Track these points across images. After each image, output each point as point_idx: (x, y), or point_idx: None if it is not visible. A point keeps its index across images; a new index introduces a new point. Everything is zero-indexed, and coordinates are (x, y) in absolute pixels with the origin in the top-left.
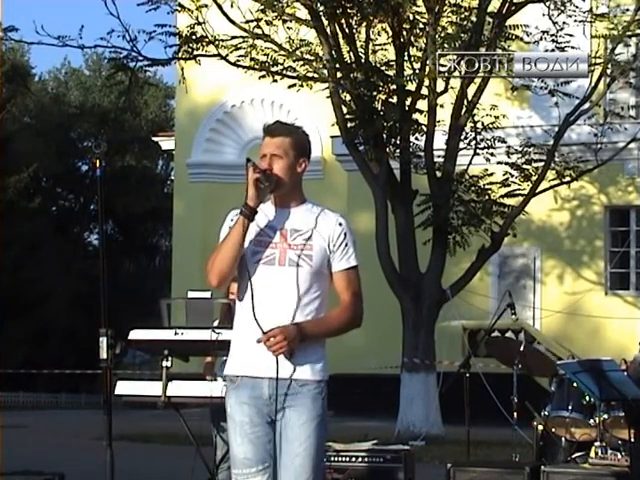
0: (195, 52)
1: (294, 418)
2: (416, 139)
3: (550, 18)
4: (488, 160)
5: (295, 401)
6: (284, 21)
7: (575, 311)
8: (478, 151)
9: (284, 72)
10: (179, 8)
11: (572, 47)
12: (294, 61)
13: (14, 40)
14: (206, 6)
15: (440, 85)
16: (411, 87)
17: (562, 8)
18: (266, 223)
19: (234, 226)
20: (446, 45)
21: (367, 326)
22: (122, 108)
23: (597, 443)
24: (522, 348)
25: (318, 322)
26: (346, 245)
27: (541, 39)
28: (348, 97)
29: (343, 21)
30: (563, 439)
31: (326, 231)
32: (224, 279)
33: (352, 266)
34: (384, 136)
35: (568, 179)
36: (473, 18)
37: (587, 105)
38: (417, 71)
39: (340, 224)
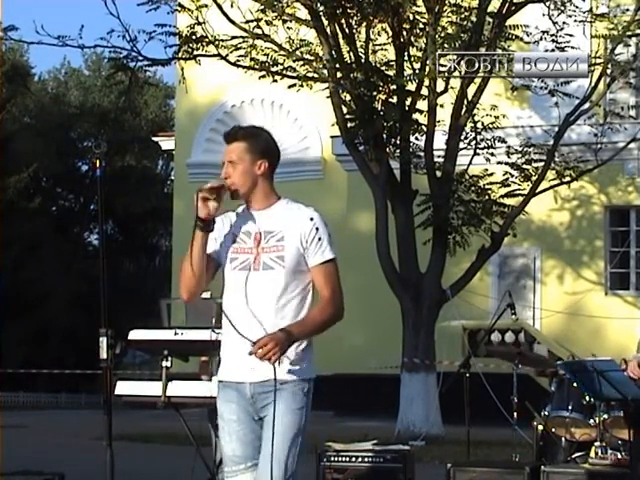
0: (195, 52)
1: (275, 413)
2: (416, 139)
3: (550, 18)
4: (488, 160)
5: (277, 398)
6: (284, 21)
7: (575, 311)
8: (478, 151)
9: (284, 72)
10: (179, 8)
11: (572, 47)
12: (294, 61)
13: (14, 40)
14: (206, 6)
15: (440, 85)
16: (411, 87)
17: (562, 8)
18: (241, 229)
19: (191, 241)
20: (446, 45)
21: (367, 326)
22: (122, 108)
23: (597, 443)
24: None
25: (303, 323)
26: (319, 239)
27: (541, 39)
28: (348, 97)
29: (343, 21)
30: (563, 439)
31: (298, 229)
32: (193, 294)
33: (328, 259)
34: (384, 136)
35: (568, 179)
36: (473, 18)
37: (587, 105)
38: (417, 71)
39: (311, 219)
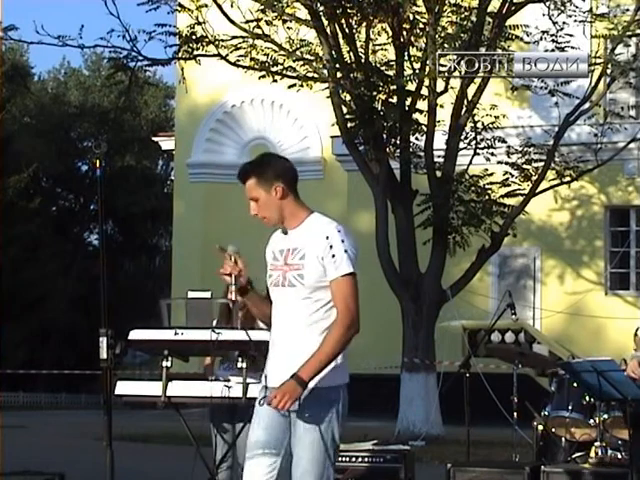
0: (195, 52)
1: (301, 422)
2: (416, 139)
3: (550, 18)
4: (488, 160)
5: (304, 407)
6: (284, 21)
7: (575, 311)
8: (478, 151)
9: (284, 72)
10: (179, 8)
11: (572, 47)
12: (294, 61)
13: (14, 40)
14: (206, 6)
15: (440, 85)
16: (411, 87)
17: (562, 8)
18: (278, 246)
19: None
20: (446, 45)
21: (367, 326)
22: (122, 108)
23: (597, 443)
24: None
25: (313, 359)
26: (332, 256)
27: (541, 39)
28: (348, 97)
29: (343, 21)
30: (563, 439)
31: (315, 247)
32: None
33: (341, 275)
34: (384, 136)
35: (568, 179)
36: (473, 18)
37: (587, 105)
38: (417, 71)
39: (327, 237)
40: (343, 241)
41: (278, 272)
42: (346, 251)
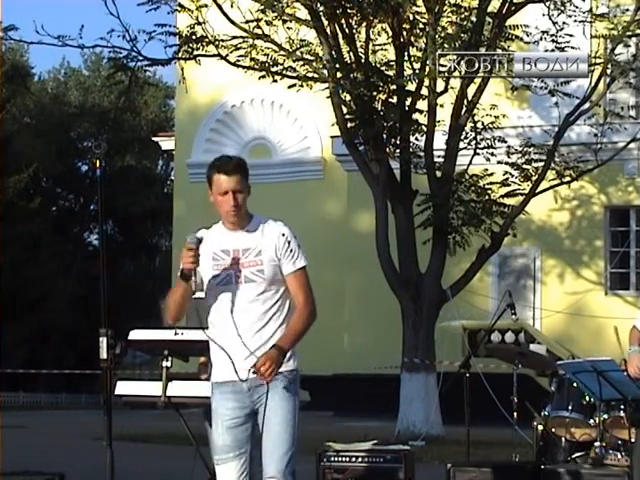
0: (195, 52)
1: (270, 401)
2: (416, 139)
3: (550, 18)
4: (488, 160)
5: (270, 390)
6: (284, 21)
7: (575, 311)
8: (478, 151)
9: (284, 72)
10: (179, 8)
11: (572, 47)
12: (294, 61)
13: (14, 40)
14: (206, 6)
15: (440, 85)
16: (411, 87)
17: (562, 8)
18: (221, 248)
19: (177, 285)
20: (446, 45)
21: (367, 326)
22: (122, 108)
23: (597, 443)
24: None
25: (288, 335)
26: (291, 251)
27: (541, 39)
28: (348, 97)
29: (343, 21)
30: (563, 439)
31: (272, 244)
32: (178, 320)
33: (299, 267)
34: (384, 136)
35: (568, 179)
36: (473, 18)
37: (587, 105)
38: (417, 71)
39: (283, 234)
40: (295, 237)
41: (228, 271)
42: (299, 246)
